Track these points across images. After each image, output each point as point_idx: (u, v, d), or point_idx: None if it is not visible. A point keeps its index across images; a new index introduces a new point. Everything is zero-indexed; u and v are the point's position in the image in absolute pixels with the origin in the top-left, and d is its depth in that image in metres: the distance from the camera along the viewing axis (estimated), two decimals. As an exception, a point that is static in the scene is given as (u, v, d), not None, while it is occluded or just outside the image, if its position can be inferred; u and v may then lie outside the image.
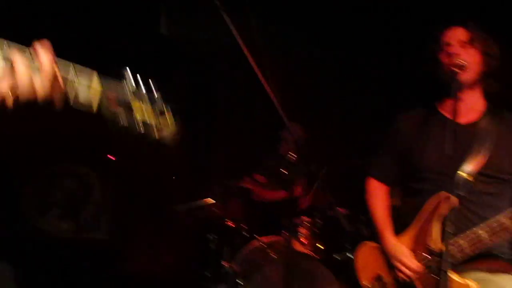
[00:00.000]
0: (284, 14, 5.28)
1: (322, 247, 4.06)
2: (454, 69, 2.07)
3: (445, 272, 1.58)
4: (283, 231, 4.25)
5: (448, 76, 2.09)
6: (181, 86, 5.36)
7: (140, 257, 5.05)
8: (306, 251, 3.96)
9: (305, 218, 4.29)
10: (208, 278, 4.07)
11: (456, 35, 2.20)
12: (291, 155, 2.01)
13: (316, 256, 3.95)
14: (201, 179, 5.21)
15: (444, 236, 1.62)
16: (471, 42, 2.17)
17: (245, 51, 2.07)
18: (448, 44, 2.19)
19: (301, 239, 4.23)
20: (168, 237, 5.18)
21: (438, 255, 2.01)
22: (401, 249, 2.20)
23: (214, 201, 3.98)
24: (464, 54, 2.15)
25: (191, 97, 5.38)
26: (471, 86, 2.20)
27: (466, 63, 2.11)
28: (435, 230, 2.09)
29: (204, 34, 4.89)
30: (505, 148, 2.13)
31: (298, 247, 4.01)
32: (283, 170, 2.03)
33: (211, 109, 5.35)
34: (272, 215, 4.62)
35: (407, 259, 2.16)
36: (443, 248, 2.00)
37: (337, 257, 4.03)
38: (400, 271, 2.18)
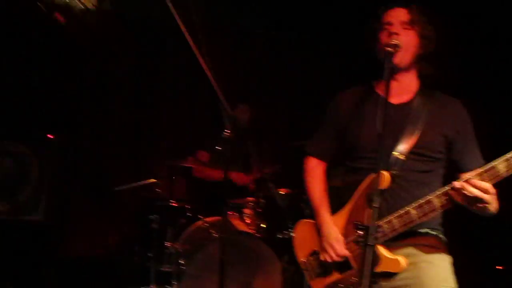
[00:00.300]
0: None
1: (265, 226, 4.10)
2: (389, 49, 2.08)
3: (370, 245, 1.61)
4: (227, 211, 4.29)
5: (384, 56, 2.10)
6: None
7: (81, 239, 4.95)
8: (249, 230, 3.99)
9: (249, 198, 4.33)
10: (151, 258, 4.03)
11: (398, 15, 2.23)
12: (226, 132, 1.99)
13: (259, 235, 3.98)
14: (144, 159, 5.13)
15: (372, 212, 1.65)
16: (411, 24, 2.21)
17: (184, 31, 2.02)
18: (390, 24, 2.23)
19: (245, 219, 4.28)
20: (110, 218, 5.09)
21: (366, 229, 2.05)
22: (333, 231, 2.25)
23: (156, 181, 3.91)
24: (403, 34, 2.19)
25: (134, 76, 5.26)
26: (406, 67, 2.25)
27: (400, 43, 2.14)
28: (368, 208, 2.13)
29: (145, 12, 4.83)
30: (436, 127, 2.19)
31: (241, 226, 4.04)
32: (218, 148, 2.01)
33: (154, 88, 5.23)
34: (217, 195, 4.62)
35: (336, 243, 2.21)
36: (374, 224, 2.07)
37: (280, 236, 4.09)
38: (327, 253, 2.23)
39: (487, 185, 1.84)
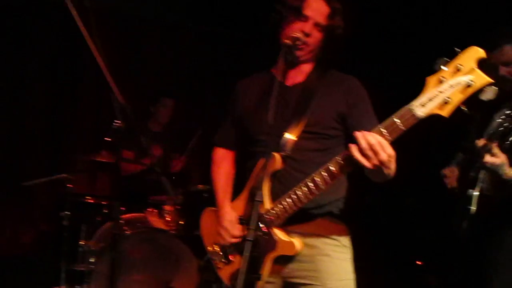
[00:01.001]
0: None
1: (182, 223, 4.02)
2: (288, 41, 2.07)
3: (249, 241, 1.55)
4: (147, 208, 4.18)
5: (286, 45, 2.08)
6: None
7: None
8: (166, 227, 3.89)
9: (170, 196, 4.23)
10: (62, 257, 3.84)
11: (318, 9, 2.17)
12: (116, 122, 1.90)
13: (176, 233, 3.89)
14: (59, 152, 4.91)
15: (254, 206, 1.59)
16: (325, 25, 2.16)
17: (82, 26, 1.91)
18: (307, 17, 2.16)
19: (165, 216, 4.17)
20: (23, 215, 4.85)
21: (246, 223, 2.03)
22: (227, 213, 2.21)
23: (67, 176, 3.73)
24: (313, 36, 2.15)
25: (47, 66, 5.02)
26: (308, 59, 2.23)
27: (306, 41, 2.13)
28: (264, 190, 2.07)
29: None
30: (328, 104, 2.15)
31: (158, 223, 3.93)
32: (107, 139, 1.92)
33: (75, 79, 5.02)
34: (139, 192, 4.50)
35: (229, 224, 2.16)
36: (270, 207, 2.04)
37: (198, 233, 4.00)
38: (221, 236, 2.19)
39: (385, 142, 1.72)
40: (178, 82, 5.56)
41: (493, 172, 2.55)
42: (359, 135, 1.73)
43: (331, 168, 1.87)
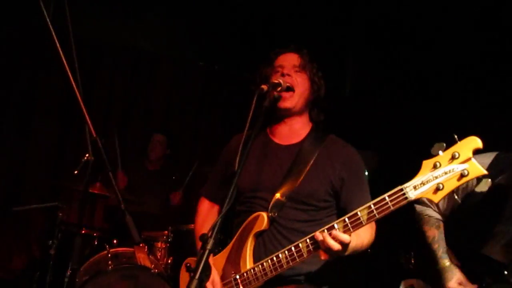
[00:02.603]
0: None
1: (170, 262, 3.95)
2: (264, 86, 2.07)
3: (195, 279, 1.49)
4: (140, 243, 4.13)
5: (270, 95, 2.07)
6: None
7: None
8: (151, 265, 3.82)
9: (164, 232, 4.19)
10: (49, 284, 3.80)
11: (291, 59, 2.24)
12: (86, 156, 1.91)
13: (160, 271, 3.81)
14: (53, 181, 4.94)
15: (198, 256, 1.54)
16: (302, 68, 2.22)
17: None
18: (282, 66, 2.22)
19: (156, 252, 4.12)
20: (15, 240, 4.85)
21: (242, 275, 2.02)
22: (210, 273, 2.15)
23: (57, 204, 3.73)
24: (296, 77, 2.18)
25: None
26: (299, 111, 2.22)
27: (294, 83, 2.15)
28: (248, 249, 2.08)
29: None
30: (323, 177, 2.12)
31: (144, 260, 3.86)
32: (75, 172, 1.93)
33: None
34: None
35: (210, 285, 2.12)
36: (250, 267, 2.01)
37: (185, 273, 3.92)
38: None
39: (346, 237, 1.78)
40: (173, 118, 5.59)
41: None
42: (319, 238, 1.81)
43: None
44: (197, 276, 1.49)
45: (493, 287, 2.38)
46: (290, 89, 2.16)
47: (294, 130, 2.24)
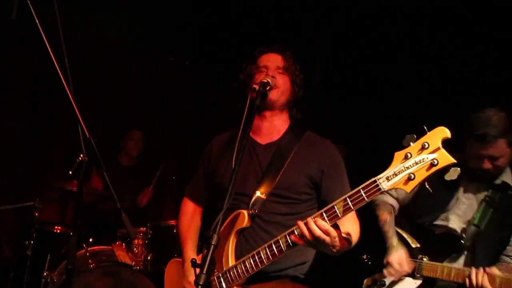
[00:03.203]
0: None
1: (150, 258, 3.95)
2: (256, 86, 2.12)
3: (201, 285, 1.54)
4: (117, 241, 4.11)
5: (260, 94, 2.12)
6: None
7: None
8: (132, 262, 3.81)
9: (141, 229, 4.19)
10: (26, 286, 3.74)
11: (275, 60, 2.30)
12: (80, 156, 1.91)
13: (141, 268, 3.82)
14: (28, 179, 4.84)
15: (205, 252, 1.59)
16: (285, 69, 2.28)
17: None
18: (266, 66, 2.28)
19: (133, 249, 4.11)
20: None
21: (225, 273, 2.05)
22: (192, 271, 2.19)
23: (34, 204, 3.66)
24: (279, 78, 2.25)
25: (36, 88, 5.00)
26: (279, 108, 2.28)
27: (277, 83, 2.19)
28: (230, 247, 2.11)
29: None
30: (302, 170, 2.19)
31: (124, 258, 3.86)
32: (70, 172, 1.92)
33: (52, 106, 4.99)
34: (105, 224, 4.45)
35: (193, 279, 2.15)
36: (232, 265, 2.04)
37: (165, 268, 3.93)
38: None
39: (327, 226, 1.82)
40: (144, 114, 5.56)
41: None
42: (300, 224, 1.84)
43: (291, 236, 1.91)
44: (204, 271, 1.53)
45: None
46: (275, 87, 2.22)
47: (275, 126, 2.30)
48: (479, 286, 2.38)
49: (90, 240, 4.01)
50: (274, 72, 2.25)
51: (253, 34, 5.37)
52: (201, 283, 1.55)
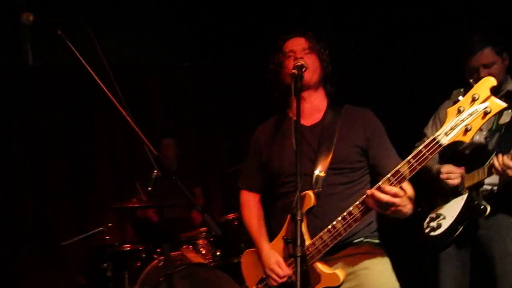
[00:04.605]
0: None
1: (219, 254, 4.14)
2: (295, 70, 2.23)
3: (299, 256, 1.69)
4: (183, 246, 4.31)
5: (293, 78, 2.23)
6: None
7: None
8: (204, 260, 4.01)
9: (201, 229, 4.38)
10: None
11: (299, 43, 2.41)
12: (154, 172, 2.07)
13: (214, 264, 4.01)
14: (89, 207, 5.09)
15: (296, 225, 1.72)
16: (311, 50, 2.39)
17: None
18: (292, 51, 2.39)
19: (200, 250, 4.31)
20: (63, 273, 5.00)
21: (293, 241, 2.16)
22: (272, 256, 2.32)
23: (102, 229, 3.89)
24: (307, 58, 2.35)
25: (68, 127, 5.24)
26: (314, 86, 2.40)
27: (307, 64, 2.31)
28: (303, 228, 2.16)
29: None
30: (348, 140, 2.32)
31: (196, 258, 4.06)
32: (149, 189, 2.09)
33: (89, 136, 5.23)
34: (170, 232, 4.64)
35: (276, 265, 2.27)
36: (310, 243, 2.17)
37: (236, 260, 4.12)
38: (272, 278, 2.29)
39: (395, 190, 1.95)
40: (173, 120, 5.75)
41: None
42: (374, 192, 1.97)
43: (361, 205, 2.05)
44: (298, 243, 1.68)
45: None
46: (303, 67, 2.32)
47: (315, 106, 2.41)
48: (503, 164, 2.62)
49: (158, 250, 4.21)
50: (301, 54, 2.35)
51: (259, 22, 5.48)
52: (298, 254, 1.69)
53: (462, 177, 2.90)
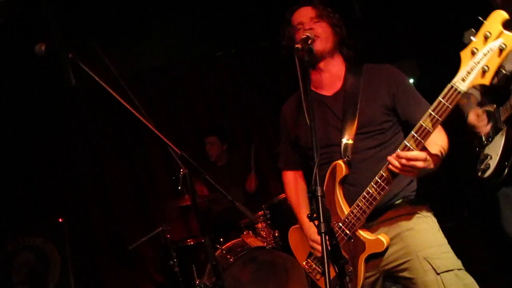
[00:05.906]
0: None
1: (278, 235, 4.20)
2: (299, 45, 2.18)
3: (323, 233, 1.69)
4: (244, 231, 4.41)
5: (306, 50, 2.18)
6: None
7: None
8: (263, 244, 4.09)
9: (258, 213, 4.45)
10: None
11: (306, 13, 2.36)
12: (181, 171, 2.12)
13: (275, 245, 4.08)
14: (150, 209, 5.30)
15: (319, 201, 1.71)
16: (320, 17, 2.33)
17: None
18: (301, 22, 2.35)
19: (261, 233, 4.39)
20: (138, 274, 5.27)
21: (344, 221, 2.17)
22: (312, 227, 2.26)
23: (162, 228, 4.05)
24: (317, 27, 2.31)
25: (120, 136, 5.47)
26: (330, 54, 2.34)
27: (318, 33, 2.27)
28: (339, 198, 2.22)
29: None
30: (375, 102, 2.25)
31: (256, 243, 4.14)
32: (179, 188, 2.15)
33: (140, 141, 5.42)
34: (227, 222, 4.77)
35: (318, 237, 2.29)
36: (349, 211, 2.16)
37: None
38: (316, 249, 2.33)
39: (414, 154, 1.90)
40: (217, 114, 5.83)
41: None
42: (390, 159, 1.95)
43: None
44: (322, 219, 1.68)
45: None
46: (317, 38, 2.29)
47: (334, 74, 2.35)
48: None
49: (221, 240, 4.34)
50: (310, 24, 2.30)
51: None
52: (323, 230, 1.68)
53: (499, 111, 2.77)
